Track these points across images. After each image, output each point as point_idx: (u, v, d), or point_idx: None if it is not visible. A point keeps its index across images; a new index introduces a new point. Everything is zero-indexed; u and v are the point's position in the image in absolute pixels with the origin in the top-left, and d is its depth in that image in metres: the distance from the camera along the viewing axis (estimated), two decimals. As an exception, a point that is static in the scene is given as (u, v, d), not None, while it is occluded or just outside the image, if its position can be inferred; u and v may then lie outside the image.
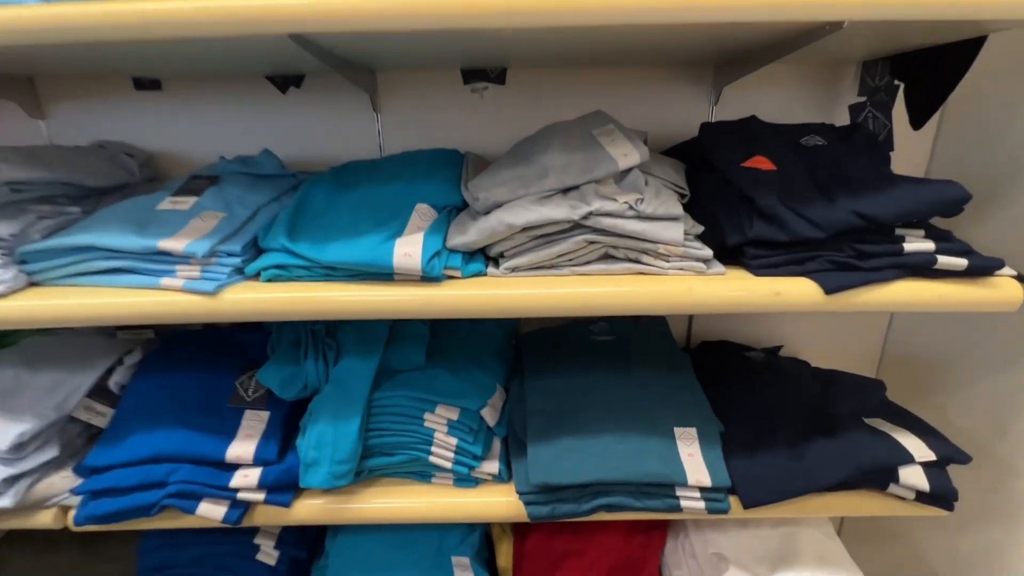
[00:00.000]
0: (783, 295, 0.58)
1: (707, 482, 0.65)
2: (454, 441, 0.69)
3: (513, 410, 0.77)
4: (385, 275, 0.60)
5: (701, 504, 0.66)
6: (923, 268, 0.58)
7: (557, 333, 0.90)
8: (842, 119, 0.81)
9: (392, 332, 0.76)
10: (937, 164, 0.88)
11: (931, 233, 0.60)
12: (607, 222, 0.59)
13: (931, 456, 0.66)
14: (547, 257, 0.61)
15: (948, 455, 0.67)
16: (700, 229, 0.62)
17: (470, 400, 0.72)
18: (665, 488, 0.66)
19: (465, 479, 0.72)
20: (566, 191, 0.63)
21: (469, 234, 0.61)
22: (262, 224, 0.66)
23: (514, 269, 0.62)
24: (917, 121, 0.76)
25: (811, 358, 0.99)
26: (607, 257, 0.63)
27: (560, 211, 0.59)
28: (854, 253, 0.59)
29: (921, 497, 0.66)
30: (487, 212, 0.62)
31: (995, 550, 0.76)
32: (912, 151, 0.89)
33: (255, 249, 0.64)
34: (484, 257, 0.64)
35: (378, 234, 0.60)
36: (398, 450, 0.71)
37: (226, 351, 0.80)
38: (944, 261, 0.57)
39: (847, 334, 1.03)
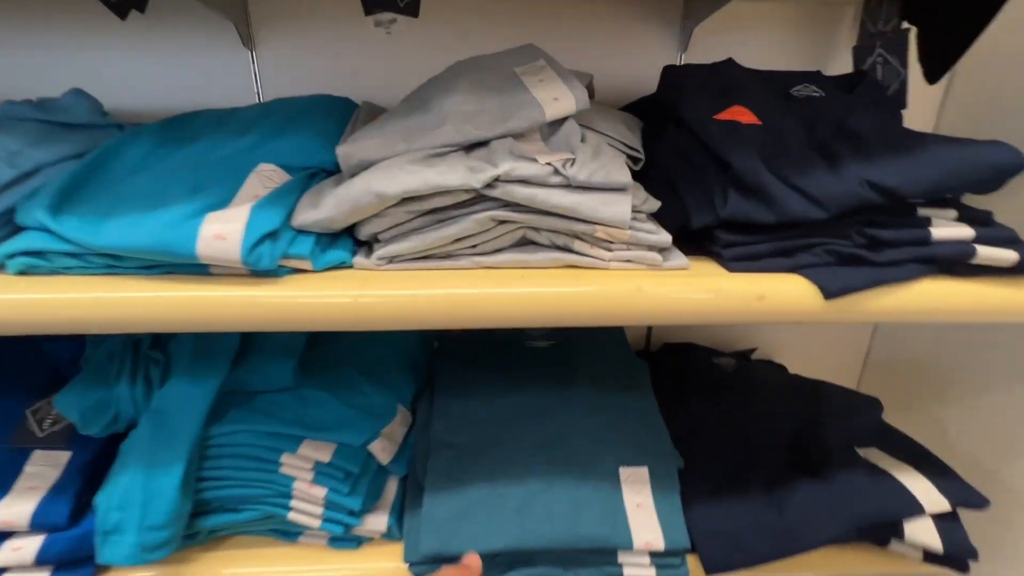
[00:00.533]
0: (767, 300, 0.41)
1: (659, 544, 0.49)
2: (322, 493, 0.51)
3: (418, 439, 0.59)
4: (195, 267, 0.40)
5: (651, 572, 0.50)
6: (956, 263, 0.42)
7: (483, 336, 0.72)
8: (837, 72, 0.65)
9: (247, 341, 0.56)
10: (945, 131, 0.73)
11: (966, 215, 0.44)
12: (523, 192, 0.40)
13: (944, 505, 0.51)
14: (438, 242, 0.42)
15: (963, 499, 0.52)
16: (656, 205, 0.45)
17: (353, 432, 0.54)
18: (604, 555, 0.50)
19: (344, 539, 0.54)
20: (470, 148, 0.45)
21: (323, 208, 0.42)
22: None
23: (391, 259, 0.43)
24: (932, 73, 0.60)
25: (788, 361, 0.84)
26: (525, 243, 0.45)
27: (454, 175, 0.40)
28: (864, 241, 0.43)
29: (931, 557, 0.52)
30: (354, 176, 0.43)
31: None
32: (912, 116, 0.73)
33: (11, 226, 0.43)
34: (353, 241, 0.45)
35: (185, 206, 0.40)
36: (245, 505, 0.52)
37: (26, 365, 0.59)
38: (985, 254, 0.41)
39: (829, 334, 0.88)
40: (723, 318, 0.41)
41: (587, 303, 0.40)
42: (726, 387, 0.69)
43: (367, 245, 0.45)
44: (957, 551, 0.50)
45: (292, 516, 0.51)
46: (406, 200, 0.41)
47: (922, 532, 0.50)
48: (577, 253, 0.43)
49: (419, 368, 0.69)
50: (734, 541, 0.51)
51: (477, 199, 0.42)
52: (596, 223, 0.41)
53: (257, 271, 0.39)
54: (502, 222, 0.42)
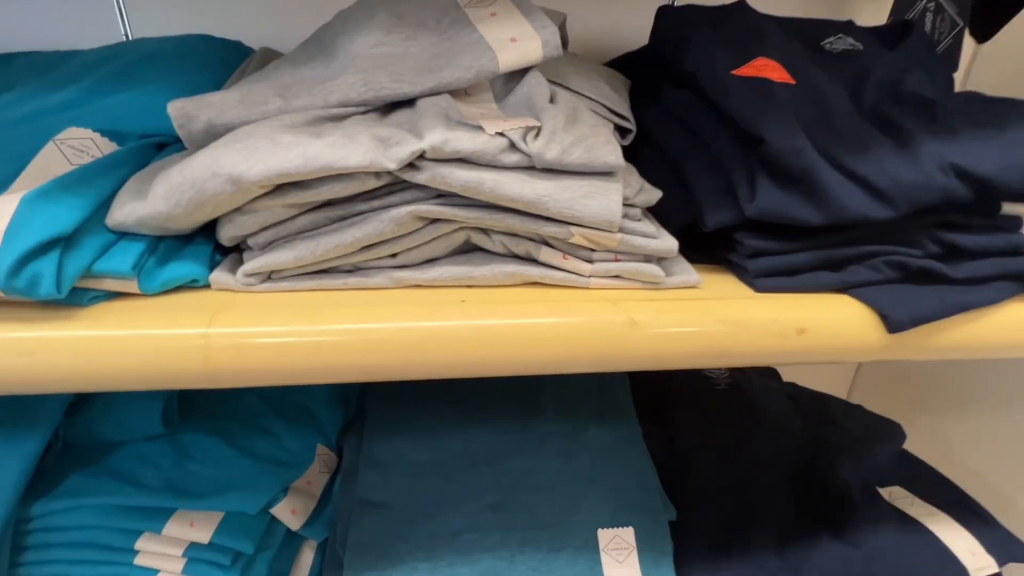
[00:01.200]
0: (809, 334, 0.29)
1: None
2: (197, 588, 0.37)
3: (343, 490, 0.46)
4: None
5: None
6: (1056, 279, 0.31)
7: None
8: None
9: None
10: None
11: (1061, 212, 0.33)
12: (463, 177, 0.27)
13: (991, 565, 0.42)
14: (337, 251, 0.28)
15: (1010, 555, 0.43)
16: (655, 196, 0.32)
17: (248, 492, 0.40)
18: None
19: (237, 636, 0.40)
20: (386, 110, 0.31)
21: (153, 198, 0.27)
22: None
23: (268, 275, 0.29)
24: (983, 29, 0.48)
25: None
26: (470, 250, 0.31)
27: (355, 150, 0.26)
28: (939, 250, 0.31)
29: (971, 628, 0.43)
30: (201, 148, 0.28)
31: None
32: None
33: None
34: (213, 248, 0.31)
35: (-80, 194, 0.25)
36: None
37: None
38: (1096, 267, 0.30)
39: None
40: (748, 360, 0.29)
41: (556, 343, 0.27)
42: (720, 408, 0.58)
43: (236, 252, 0.31)
44: (1004, 622, 0.41)
45: (159, 619, 0.38)
46: (282, 188, 0.27)
47: (966, 603, 0.41)
48: (544, 265, 0.30)
49: (350, 393, 0.55)
50: (740, 622, 0.40)
51: (394, 186, 0.28)
52: (572, 223, 0.28)
53: (37, 299, 0.25)
54: (434, 221, 0.29)
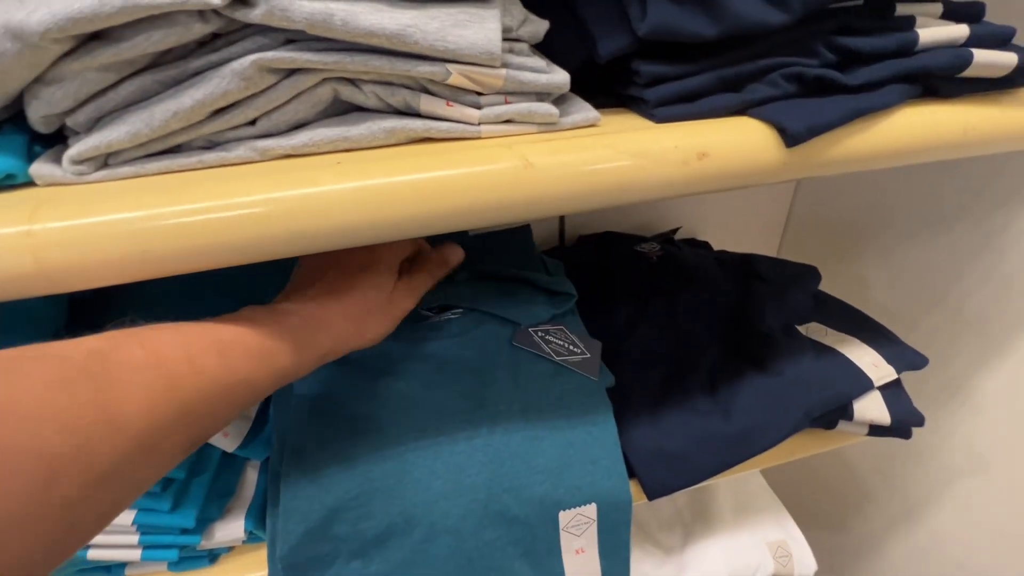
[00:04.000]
0: (711, 158, 0.28)
1: None
2: (128, 517, 0.35)
3: (276, 405, 0.45)
4: None
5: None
6: (945, 77, 0.31)
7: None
8: None
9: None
10: None
11: (951, 8, 0.32)
12: (306, 9, 0.22)
13: (890, 373, 0.46)
14: (178, 120, 0.24)
15: (907, 362, 0.48)
16: (541, 27, 0.29)
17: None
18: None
19: (189, 559, 0.40)
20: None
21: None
22: None
23: (104, 160, 0.25)
24: None
25: (708, 235, 0.77)
26: (342, 109, 0.28)
27: (165, -17, 0.21)
28: (833, 57, 0.30)
29: (876, 429, 0.48)
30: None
31: (937, 442, 0.63)
32: None
33: None
34: (30, 137, 0.26)
35: None
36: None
37: None
38: (982, 60, 0.30)
39: (749, 198, 0.80)
40: (650, 192, 0.28)
41: (445, 196, 0.25)
42: (654, 279, 0.59)
43: (61, 143, 0.26)
44: (904, 420, 0.46)
45: (93, 555, 0.36)
46: (87, 45, 0.22)
47: (871, 408, 0.45)
48: (427, 117, 0.27)
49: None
50: (677, 459, 0.43)
51: (232, 35, 0.24)
52: (447, 59, 0.25)
53: None
54: (289, 74, 0.25)
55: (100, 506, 0.20)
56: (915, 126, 0.30)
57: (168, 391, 0.22)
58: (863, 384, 0.45)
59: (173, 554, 0.38)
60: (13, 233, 0.22)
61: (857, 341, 0.49)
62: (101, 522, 0.21)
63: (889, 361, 0.47)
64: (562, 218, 0.73)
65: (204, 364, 0.24)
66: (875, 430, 0.47)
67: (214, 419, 0.25)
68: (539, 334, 0.46)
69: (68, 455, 0.18)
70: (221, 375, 0.24)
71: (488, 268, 0.50)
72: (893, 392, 0.47)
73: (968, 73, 0.31)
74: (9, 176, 0.24)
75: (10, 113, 0.25)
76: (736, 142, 0.28)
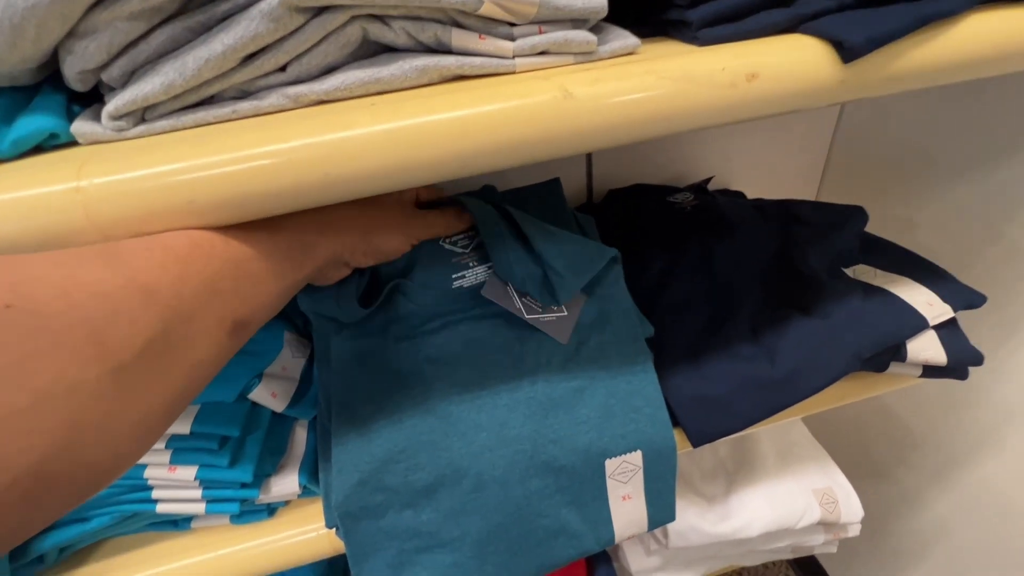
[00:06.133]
0: (761, 79, 0.26)
1: (642, 527, 0.40)
2: (190, 473, 0.37)
3: (320, 367, 0.45)
4: None
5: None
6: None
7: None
8: None
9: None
10: None
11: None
12: (333, -59, 0.22)
13: (947, 311, 0.44)
14: (210, 69, 0.24)
15: (964, 301, 0.45)
16: (574, -50, 0.27)
17: (221, 383, 0.39)
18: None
19: (249, 512, 0.42)
20: None
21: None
22: None
23: (142, 115, 0.25)
24: None
25: (742, 184, 0.75)
26: (373, 50, 0.27)
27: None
28: (893, -38, 0.27)
29: (930, 371, 0.46)
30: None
31: (992, 384, 0.61)
32: None
33: None
34: (69, 96, 0.26)
35: None
36: (92, 511, 0.38)
37: None
38: (1064, -48, 0.27)
39: (784, 142, 0.77)
40: (698, 119, 0.27)
41: (483, 133, 0.24)
42: (689, 229, 0.57)
43: (98, 102, 0.26)
44: (961, 360, 0.44)
45: (162, 509, 0.38)
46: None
47: (926, 348, 0.43)
48: (459, 53, 0.26)
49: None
50: (721, 405, 0.42)
51: (255, -28, 0.23)
52: (478, -11, 0.24)
53: None
54: (318, 13, 0.24)
55: (159, 379, 0.20)
56: (986, 33, 0.28)
57: (184, 265, 0.22)
58: (918, 323, 0.43)
59: (235, 507, 0.39)
60: (63, 190, 0.22)
61: (910, 280, 0.47)
62: (168, 400, 0.21)
63: (945, 299, 0.45)
64: (590, 173, 0.71)
65: (211, 244, 0.23)
66: (929, 371, 0.46)
67: (242, 298, 0.24)
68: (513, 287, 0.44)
69: (105, 318, 0.18)
70: (233, 253, 0.24)
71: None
72: (949, 331, 0.45)
73: (1047, -31, 0.28)
74: (53, 135, 0.24)
75: (46, 73, 0.25)
76: (788, 60, 0.27)
